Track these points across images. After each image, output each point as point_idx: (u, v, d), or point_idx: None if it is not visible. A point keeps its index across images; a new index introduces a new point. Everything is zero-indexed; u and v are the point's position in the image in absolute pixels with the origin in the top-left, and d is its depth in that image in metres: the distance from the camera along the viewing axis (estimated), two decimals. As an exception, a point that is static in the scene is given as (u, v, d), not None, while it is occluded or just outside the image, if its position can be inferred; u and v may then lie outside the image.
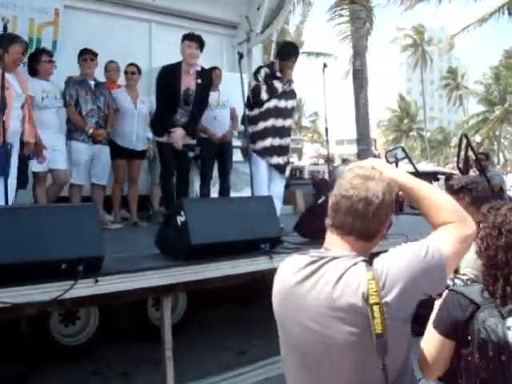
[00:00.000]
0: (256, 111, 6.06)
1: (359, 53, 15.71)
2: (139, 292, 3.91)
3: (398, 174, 1.94)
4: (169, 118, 6.17)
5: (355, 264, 1.75)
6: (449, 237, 1.81)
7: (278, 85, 6.10)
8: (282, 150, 6.19)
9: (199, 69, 6.28)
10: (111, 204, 6.77)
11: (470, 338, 1.98)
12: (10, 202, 4.68)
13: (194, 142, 6.46)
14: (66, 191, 6.30)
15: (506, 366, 1.90)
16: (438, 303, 2.13)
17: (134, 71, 6.86)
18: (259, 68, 6.37)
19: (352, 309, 1.70)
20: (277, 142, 6.09)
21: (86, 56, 6.30)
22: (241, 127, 7.05)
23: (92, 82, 6.36)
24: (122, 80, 7.12)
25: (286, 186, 6.76)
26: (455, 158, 9.87)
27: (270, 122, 6.04)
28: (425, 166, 18.61)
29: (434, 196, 1.89)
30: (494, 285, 2.02)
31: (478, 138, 50.88)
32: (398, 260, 1.75)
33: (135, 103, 6.78)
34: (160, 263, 4.14)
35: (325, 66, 7.07)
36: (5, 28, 4.68)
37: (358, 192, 1.78)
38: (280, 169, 6.21)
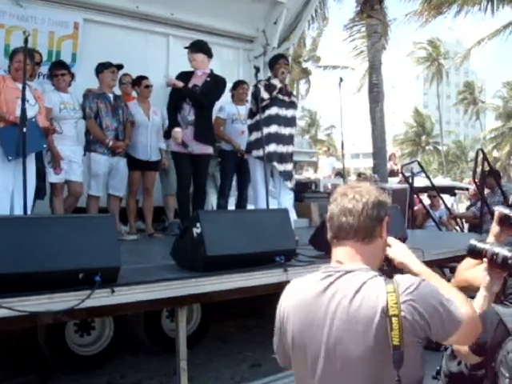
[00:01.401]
0: (257, 117, 6.15)
1: (375, 67, 15.74)
2: (154, 303, 3.93)
3: (409, 258, 2.00)
4: (174, 117, 6.28)
5: (372, 278, 1.78)
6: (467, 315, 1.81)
7: (275, 82, 6.24)
8: (286, 158, 6.30)
9: (208, 71, 6.46)
10: (127, 215, 6.81)
11: (493, 364, 1.96)
12: (28, 211, 4.77)
13: (211, 151, 6.51)
14: (83, 202, 6.36)
15: None
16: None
17: (149, 84, 6.94)
18: (259, 80, 6.50)
19: (370, 322, 1.72)
20: (280, 148, 6.20)
21: (114, 69, 6.41)
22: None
23: (111, 96, 6.43)
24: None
25: (297, 199, 6.79)
26: (471, 173, 9.82)
27: (274, 129, 6.13)
28: (441, 181, 18.45)
29: (444, 289, 1.87)
30: None
31: (495, 153, 50.54)
32: (421, 290, 1.76)
33: (148, 115, 6.84)
34: (175, 274, 4.16)
35: (341, 80, 7.12)
36: (26, 41, 4.75)
37: (347, 195, 1.89)
38: (286, 175, 6.31)
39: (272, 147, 6.12)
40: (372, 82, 15.70)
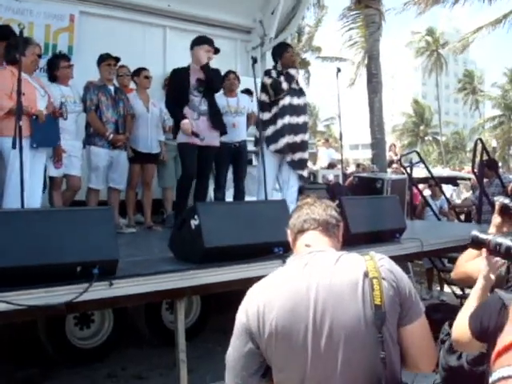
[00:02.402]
0: (274, 110, 6.15)
1: (374, 57, 15.70)
2: (153, 295, 3.93)
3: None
4: (178, 111, 6.15)
5: (344, 254, 1.94)
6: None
7: (293, 72, 6.28)
8: (301, 147, 6.35)
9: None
10: (125, 208, 6.80)
11: None
12: (38, 205, 4.96)
13: (218, 143, 6.43)
14: (83, 195, 6.35)
15: None
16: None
17: (149, 75, 6.91)
18: (268, 70, 6.46)
19: (354, 287, 1.82)
20: (295, 138, 6.23)
21: (110, 61, 6.35)
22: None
23: (112, 88, 6.40)
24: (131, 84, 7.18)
25: (300, 191, 6.78)
26: (471, 163, 9.79)
27: (287, 120, 6.14)
28: (443, 171, 18.44)
29: None
30: None
31: (493, 143, 50.49)
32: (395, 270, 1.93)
33: (147, 107, 6.81)
34: (174, 266, 4.15)
35: (339, 70, 7.11)
36: (21, 34, 4.73)
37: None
38: (301, 165, 6.39)
39: (289, 138, 6.16)
40: (370, 73, 15.65)
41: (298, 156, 6.33)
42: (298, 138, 6.27)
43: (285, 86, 6.16)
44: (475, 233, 2.10)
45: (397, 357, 1.90)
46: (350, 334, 1.82)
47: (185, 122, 6.04)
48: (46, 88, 5.46)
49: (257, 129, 6.50)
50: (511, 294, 2.08)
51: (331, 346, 1.83)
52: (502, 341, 0.85)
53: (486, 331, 1.97)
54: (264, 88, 6.30)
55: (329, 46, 40.45)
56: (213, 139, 6.29)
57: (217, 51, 6.27)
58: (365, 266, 1.84)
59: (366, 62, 16.75)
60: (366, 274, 1.83)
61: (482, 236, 2.07)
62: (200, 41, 6.22)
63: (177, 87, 6.22)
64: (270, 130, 6.25)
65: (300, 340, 1.87)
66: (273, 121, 6.21)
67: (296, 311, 1.87)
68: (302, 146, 6.38)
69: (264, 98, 6.35)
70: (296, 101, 6.26)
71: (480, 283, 2.12)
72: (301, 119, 6.31)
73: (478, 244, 2.10)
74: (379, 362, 1.79)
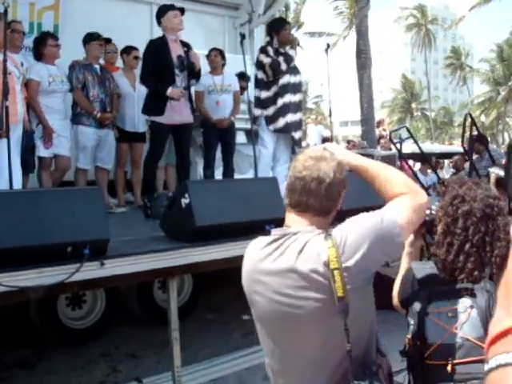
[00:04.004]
0: (274, 89, 6.10)
1: (362, 33, 15.62)
2: (145, 274, 3.94)
3: (349, 155, 2.07)
4: (157, 85, 5.93)
5: (314, 236, 1.86)
6: (402, 206, 1.90)
7: (291, 53, 6.20)
8: (300, 125, 6.40)
9: (180, 39, 6.16)
10: (115, 188, 6.77)
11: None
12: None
13: (191, 120, 6.24)
14: (71, 176, 6.31)
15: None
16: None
17: (138, 56, 6.80)
18: (264, 47, 6.36)
19: (315, 276, 1.80)
20: (295, 117, 6.22)
21: (102, 41, 6.30)
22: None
23: (97, 67, 6.33)
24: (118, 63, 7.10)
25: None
26: (460, 138, 9.82)
27: (288, 98, 6.11)
28: (433, 147, 18.45)
29: (386, 172, 2.02)
30: (446, 255, 2.09)
31: (483, 118, 50.61)
32: (356, 228, 1.85)
33: (134, 86, 6.74)
34: (165, 245, 4.16)
35: (328, 46, 7.06)
36: (5, 12, 4.64)
37: (310, 172, 1.90)
38: (300, 143, 6.44)
39: (289, 117, 6.14)
40: (359, 48, 15.60)
41: (298, 134, 6.35)
42: (297, 117, 6.27)
43: (284, 66, 6.09)
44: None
45: (364, 337, 1.91)
46: (306, 324, 1.86)
47: (170, 90, 5.85)
48: (20, 68, 5.29)
49: (254, 107, 6.41)
50: (417, 263, 2.25)
51: (292, 333, 1.90)
52: (495, 327, 0.84)
53: (406, 301, 2.16)
54: (261, 66, 6.20)
55: (313, 21, 40.23)
56: (188, 116, 6.21)
57: (183, 12, 6.10)
58: (326, 256, 1.79)
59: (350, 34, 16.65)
60: (326, 265, 1.78)
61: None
62: (162, 11, 6.06)
63: (157, 63, 5.95)
64: (270, 110, 6.18)
65: (264, 329, 1.99)
66: (273, 100, 6.14)
67: (259, 295, 1.95)
68: (300, 124, 6.45)
69: (261, 75, 6.25)
70: (293, 79, 6.22)
71: (406, 252, 2.29)
72: (297, 97, 6.30)
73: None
74: (345, 354, 1.79)
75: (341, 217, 1.99)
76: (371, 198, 2.19)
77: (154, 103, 5.96)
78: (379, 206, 1.94)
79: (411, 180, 2.00)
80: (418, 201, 1.92)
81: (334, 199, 1.93)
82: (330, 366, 1.86)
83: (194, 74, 6.10)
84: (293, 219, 1.95)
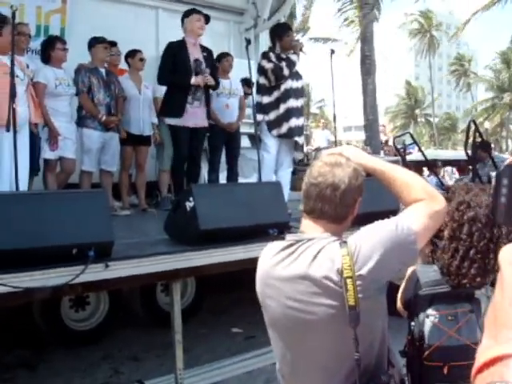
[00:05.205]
0: (276, 94, 6.12)
1: (367, 38, 15.65)
2: (148, 277, 3.95)
3: (366, 159, 2.02)
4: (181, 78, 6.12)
5: (329, 243, 1.84)
6: (418, 213, 1.88)
7: (294, 58, 6.21)
8: (302, 129, 6.41)
9: (201, 43, 6.38)
10: (119, 191, 6.80)
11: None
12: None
13: (206, 124, 6.40)
14: (75, 178, 6.33)
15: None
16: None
17: (143, 58, 6.86)
18: (266, 52, 6.38)
19: (328, 283, 1.79)
20: (298, 121, 6.23)
21: (107, 45, 6.35)
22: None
23: (103, 70, 6.37)
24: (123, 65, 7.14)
25: (294, 173, 6.79)
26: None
27: (290, 103, 6.12)
28: (438, 153, 18.45)
29: (403, 176, 1.98)
30: (451, 260, 2.11)
31: (486, 125, 50.54)
32: (371, 236, 1.84)
33: (139, 89, 6.78)
34: (169, 248, 4.18)
35: (332, 52, 7.07)
36: (13, 16, 4.67)
37: (325, 179, 1.87)
38: (302, 147, 6.52)
39: (292, 122, 6.14)
40: (364, 54, 15.62)
41: (300, 139, 6.38)
42: (300, 122, 6.28)
43: (286, 72, 6.07)
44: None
45: (375, 346, 1.90)
46: (318, 332, 1.85)
47: (194, 78, 6.07)
48: (25, 71, 5.37)
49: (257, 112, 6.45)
50: (423, 266, 2.25)
51: (304, 340, 1.90)
52: (482, 355, 0.82)
53: (408, 302, 2.21)
54: (263, 72, 6.21)
55: (319, 27, 40.25)
56: (203, 121, 6.29)
57: (208, 19, 6.29)
58: (340, 264, 1.77)
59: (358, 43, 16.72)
60: (339, 273, 1.77)
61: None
62: (188, 12, 6.29)
63: (174, 64, 6.13)
64: (272, 115, 6.19)
65: (278, 324, 1.97)
66: (275, 105, 6.13)
67: (272, 301, 1.95)
68: (303, 129, 6.46)
69: (263, 81, 6.24)
70: (295, 84, 6.21)
71: None
72: (299, 102, 6.29)
73: None
74: (354, 363, 1.78)
75: (360, 221, 2.00)
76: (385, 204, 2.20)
77: (172, 106, 6.06)
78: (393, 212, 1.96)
79: (429, 185, 1.98)
80: (434, 207, 1.90)
81: (349, 206, 1.91)
82: (341, 374, 1.85)
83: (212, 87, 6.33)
84: (308, 225, 1.94)
